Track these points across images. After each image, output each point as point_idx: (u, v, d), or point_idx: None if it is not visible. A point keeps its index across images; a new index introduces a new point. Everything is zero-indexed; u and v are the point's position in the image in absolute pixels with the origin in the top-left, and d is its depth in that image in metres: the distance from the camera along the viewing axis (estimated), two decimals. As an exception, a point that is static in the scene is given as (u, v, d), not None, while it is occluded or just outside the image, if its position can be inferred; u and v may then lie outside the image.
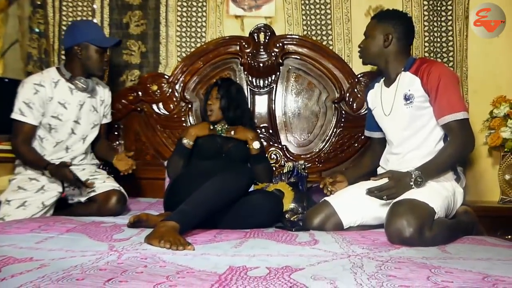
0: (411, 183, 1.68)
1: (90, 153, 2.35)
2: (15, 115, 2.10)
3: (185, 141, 2.21)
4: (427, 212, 1.60)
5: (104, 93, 2.37)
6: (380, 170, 2.02)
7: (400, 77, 1.90)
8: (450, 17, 2.69)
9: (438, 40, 2.69)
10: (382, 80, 2.03)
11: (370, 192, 1.71)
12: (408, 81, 1.86)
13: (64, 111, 2.17)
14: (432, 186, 1.73)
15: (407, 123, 1.87)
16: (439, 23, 2.69)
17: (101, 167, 2.42)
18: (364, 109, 2.57)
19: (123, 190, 2.17)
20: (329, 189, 2.00)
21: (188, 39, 2.80)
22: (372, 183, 1.74)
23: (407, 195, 1.66)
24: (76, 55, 2.16)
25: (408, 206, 1.59)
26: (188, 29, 2.80)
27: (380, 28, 1.92)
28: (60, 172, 2.03)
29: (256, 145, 2.22)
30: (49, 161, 2.10)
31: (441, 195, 1.71)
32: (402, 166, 1.82)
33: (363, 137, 2.46)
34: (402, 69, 1.90)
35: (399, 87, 1.89)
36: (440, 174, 1.78)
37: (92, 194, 2.12)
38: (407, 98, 1.85)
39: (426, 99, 1.81)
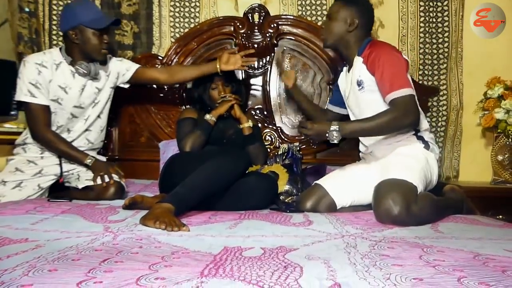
0: (327, 134, 1.73)
1: (93, 133, 2.25)
2: (24, 97, 2.01)
3: (208, 116, 2.21)
4: (409, 188, 1.65)
5: (109, 67, 2.23)
6: (361, 155, 2.11)
7: (354, 62, 1.94)
8: (446, -3, 2.67)
9: (434, 20, 2.67)
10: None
11: (298, 127, 1.87)
12: (358, 67, 1.90)
13: (64, 96, 2.10)
14: (404, 161, 1.77)
15: (363, 107, 1.92)
16: (434, 2, 2.67)
17: (101, 150, 2.40)
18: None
19: (121, 180, 2.16)
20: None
21: (181, 20, 2.77)
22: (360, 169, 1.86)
23: (385, 175, 1.71)
24: (72, 40, 2.04)
25: (390, 186, 1.63)
26: (182, 9, 2.76)
27: (346, 11, 1.93)
28: (105, 168, 2.05)
29: (248, 124, 2.27)
30: (87, 154, 2.08)
31: (416, 169, 1.75)
32: (372, 147, 1.94)
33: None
34: (357, 53, 1.93)
35: (354, 73, 1.93)
36: (364, 136, 1.89)
37: (91, 182, 2.11)
38: (359, 83, 1.89)
39: (374, 82, 1.84)
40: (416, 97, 1.80)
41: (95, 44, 2.06)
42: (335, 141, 1.74)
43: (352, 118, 2.05)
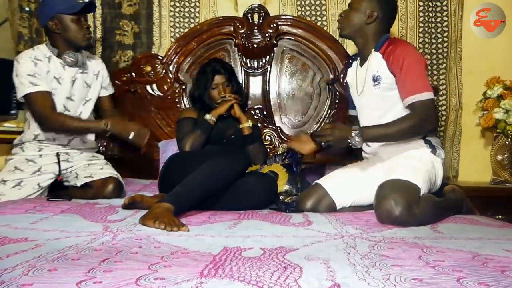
0: (349, 140, 1.71)
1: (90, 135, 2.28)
2: (28, 89, 2.01)
3: (208, 116, 2.20)
4: (412, 190, 1.64)
5: (97, 66, 2.31)
6: (363, 154, 2.07)
7: (370, 57, 1.90)
8: (445, -3, 2.68)
9: (433, 20, 2.67)
10: (358, 58, 2.03)
11: (312, 135, 1.77)
12: (376, 62, 1.86)
13: (58, 86, 2.12)
14: (410, 163, 1.76)
15: (376, 103, 1.88)
16: (434, 2, 2.67)
17: (100, 148, 2.40)
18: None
19: (120, 178, 2.16)
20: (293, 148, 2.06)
21: (181, 20, 2.77)
22: (362, 169, 1.81)
23: (388, 176, 1.69)
24: (54, 30, 2.09)
25: (392, 187, 1.62)
26: (182, 9, 2.76)
27: (367, 3, 1.89)
28: (124, 126, 2.02)
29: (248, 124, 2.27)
30: (101, 120, 2.06)
31: (421, 171, 1.74)
32: (378, 149, 1.89)
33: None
34: (374, 48, 1.89)
35: (369, 68, 1.89)
36: (385, 142, 1.82)
37: (89, 180, 2.11)
38: (375, 79, 1.85)
39: (393, 80, 1.81)
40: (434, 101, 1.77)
41: (76, 30, 2.10)
42: (358, 146, 1.72)
43: (360, 114, 2.01)
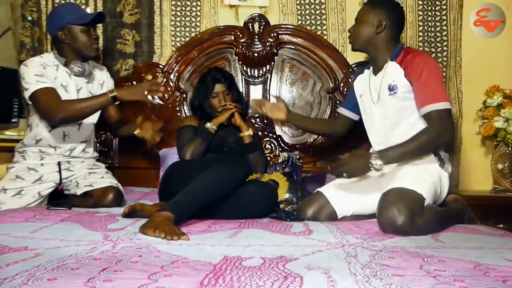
0: (370, 165, 1.69)
1: (91, 143, 2.29)
2: (36, 86, 1.99)
3: (208, 124, 2.21)
4: (416, 199, 1.63)
5: (102, 75, 2.33)
6: None
7: (386, 66, 1.90)
8: (444, 6, 2.69)
9: (432, 29, 2.69)
10: (371, 67, 2.03)
11: (331, 169, 1.74)
12: (393, 72, 1.86)
13: (65, 94, 2.12)
14: (418, 173, 1.75)
15: (390, 113, 1.88)
16: (433, 12, 2.69)
17: (101, 157, 2.40)
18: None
19: (120, 187, 2.16)
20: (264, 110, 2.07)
21: (182, 29, 2.78)
22: (365, 178, 1.82)
23: (394, 184, 1.69)
24: (62, 40, 2.11)
25: (397, 195, 1.61)
26: (183, 18, 2.78)
27: (373, 14, 1.91)
28: (132, 90, 2.01)
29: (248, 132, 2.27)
30: (106, 92, 2.02)
31: (427, 181, 1.73)
32: None
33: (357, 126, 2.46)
34: (389, 58, 1.90)
35: (385, 77, 1.89)
36: (406, 160, 1.77)
37: (89, 188, 2.11)
38: (391, 88, 1.85)
39: (410, 90, 1.81)
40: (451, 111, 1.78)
41: (84, 40, 2.12)
42: (381, 169, 1.70)
43: (369, 123, 2.00)
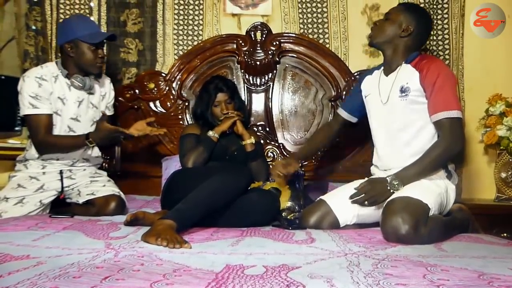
0: (388, 187, 1.72)
1: (92, 152, 2.27)
2: (27, 110, 2.04)
3: (211, 133, 2.21)
4: (422, 209, 1.62)
5: (105, 87, 2.30)
6: (373, 169, 2.03)
7: (400, 69, 1.90)
8: (446, 15, 2.70)
9: (434, 38, 2.69)
10: (382, 68, 2.02)
11: (351, 198, 1.77)
12: (407, 74, 1.86)
13: (62, 107, 2.12)
14: (425, 183, 1.75)
15: (398, 116, 1.87)
16: (435, 21, 2.69)
17: (104, 165, 2.39)
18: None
19: (122, 195, 2.16)
20: (281, 173, 1.95)
21: (185, 37, 2.80)
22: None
23: (401, 193, 1.68)
24: (68, 53, 2.09)
25: (402, 204, 1.60)
26: (185, 27, 2.80)
27: (404, 16, 1.89)
28: (104, 135, 2.03)
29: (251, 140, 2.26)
30: (82, 135, 2.06)
31: (434, 192, 1.73)
32: (393, 164, 1.85)
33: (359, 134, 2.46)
34: (404, 61, 1.90)
35: (398, 78, 1.88)
36: (422, 177, 1.77)
37: (91, 197, 2.11)
38: (403, 90, 1.84)
39: (422, 94, 1.81)
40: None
41: (90, 58, 2.10)
42: (400, 189, 1.72)
43: (376, 125, 1.98)
